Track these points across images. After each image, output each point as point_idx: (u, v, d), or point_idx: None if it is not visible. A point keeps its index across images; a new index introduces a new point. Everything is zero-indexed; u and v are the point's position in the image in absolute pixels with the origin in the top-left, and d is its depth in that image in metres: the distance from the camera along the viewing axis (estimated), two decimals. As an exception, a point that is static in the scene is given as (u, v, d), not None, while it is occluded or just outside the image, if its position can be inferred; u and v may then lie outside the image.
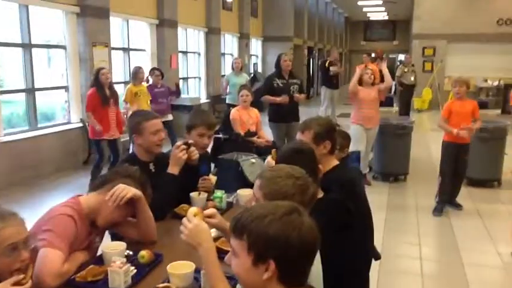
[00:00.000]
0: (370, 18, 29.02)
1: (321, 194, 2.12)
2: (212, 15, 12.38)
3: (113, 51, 8.37)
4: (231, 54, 14.79)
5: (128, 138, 6.97)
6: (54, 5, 7.05)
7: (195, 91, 12.34)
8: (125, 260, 1.88)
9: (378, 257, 2.93)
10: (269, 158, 2.70)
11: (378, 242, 4.30)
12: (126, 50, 9.17)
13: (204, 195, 2.89)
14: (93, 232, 2.15)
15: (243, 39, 15.01)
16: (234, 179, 3.03)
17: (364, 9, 24.27)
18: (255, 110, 6.19)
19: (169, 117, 7.44)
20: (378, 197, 5.74)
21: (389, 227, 4.81)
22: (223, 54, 14.06)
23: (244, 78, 8.47)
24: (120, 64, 9.00)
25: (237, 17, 14.74)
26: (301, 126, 2.58)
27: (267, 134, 6.13)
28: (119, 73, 8.83)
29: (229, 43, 14.70)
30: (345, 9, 27.34)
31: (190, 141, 2.92)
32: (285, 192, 1.62)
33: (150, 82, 7.48)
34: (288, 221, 1.20)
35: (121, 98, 6.99)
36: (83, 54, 7.49)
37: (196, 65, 12.48)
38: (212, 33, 12.54)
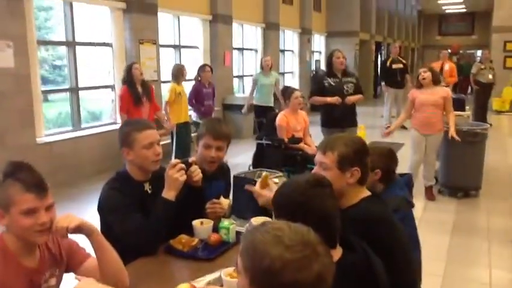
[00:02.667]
0: (446, 11, 27.09)
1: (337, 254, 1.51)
2: (270, 9, 11.83)
3: (163, 49, 8.10)
4: (292, 51, 14.18)
5: (170, 140, 6.65)
6: (100, 2, 6.87)
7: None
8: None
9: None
10: (257, 186, 2.12)
11: (436, 276, 3.60)
12: (177, 47, 8.88)
13: (209, 224, 2.37)
14: (42, 269, 1.70)
15: (305, 35, 14.32)
16: (251, 203, 2.45)
17: (440, 1, 22.60)
18: (303, 114, 5.57)
19: None
20: (442, 216, 4.92)
21: (454, 256, 4.01)
22: (283, 51, 13.48)
23: (273, 78, 7.85)
24: (171, 62, 8.71)
25: (298, 11, 14.05)
26: (323, 145, 1.94)
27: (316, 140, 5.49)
28: (168, 71, 8.54)
29: (290, 39, 14.08)
30: (417, 1, 25.73)
31: (192, 159, 2.42)
32: (266, 268, 1.06)
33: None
34: None
35: (164, 99, 6.68)
36: (129, 52, 7.26)
37: (253, 63, 12.01)
38: (270, 29, 12.00)
